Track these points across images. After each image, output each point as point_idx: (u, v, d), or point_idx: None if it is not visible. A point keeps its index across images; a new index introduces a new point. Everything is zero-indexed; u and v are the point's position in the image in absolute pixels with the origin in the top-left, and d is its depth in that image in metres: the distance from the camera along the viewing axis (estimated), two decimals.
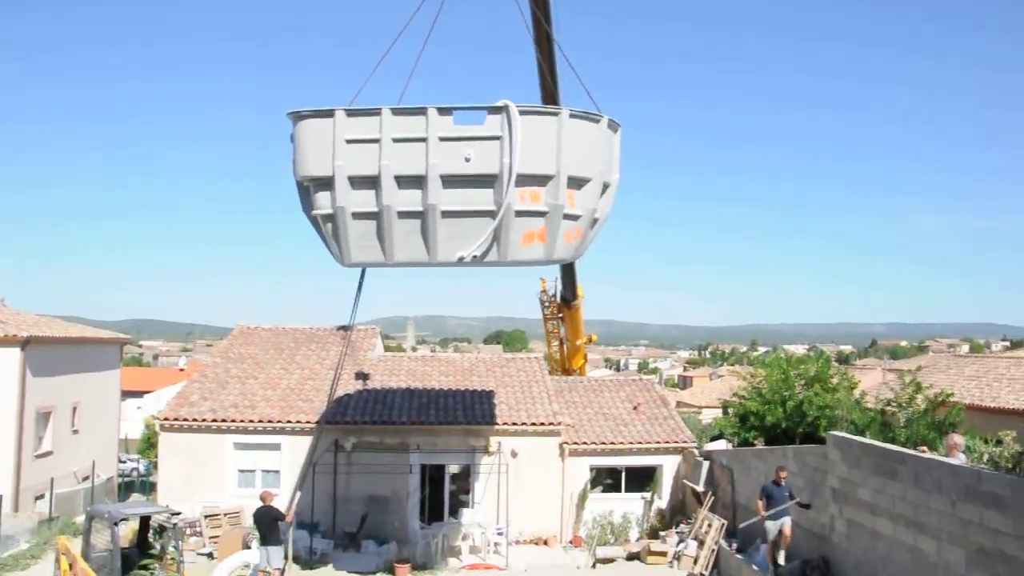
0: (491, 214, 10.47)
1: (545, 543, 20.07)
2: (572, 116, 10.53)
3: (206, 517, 18.96)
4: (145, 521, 12.49)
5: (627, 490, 21.35)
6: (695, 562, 16.25)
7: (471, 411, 21.23)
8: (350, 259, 10.79)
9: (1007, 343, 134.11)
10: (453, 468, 21.22)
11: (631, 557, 17.39)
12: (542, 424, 20.84)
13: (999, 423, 24.95)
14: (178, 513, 12.30)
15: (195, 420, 20.21)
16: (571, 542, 20.46)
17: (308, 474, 18.76)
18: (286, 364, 23.54)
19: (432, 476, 21.21)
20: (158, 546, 12.02)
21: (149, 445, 35.26)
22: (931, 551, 10.91)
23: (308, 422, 20.34)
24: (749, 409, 26.06)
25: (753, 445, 22.22)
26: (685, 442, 21.46)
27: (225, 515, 19.20)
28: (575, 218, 10.95)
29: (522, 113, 10.22)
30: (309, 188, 10.64)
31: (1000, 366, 31.07)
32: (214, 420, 20.23)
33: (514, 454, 20.47)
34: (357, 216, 10.44)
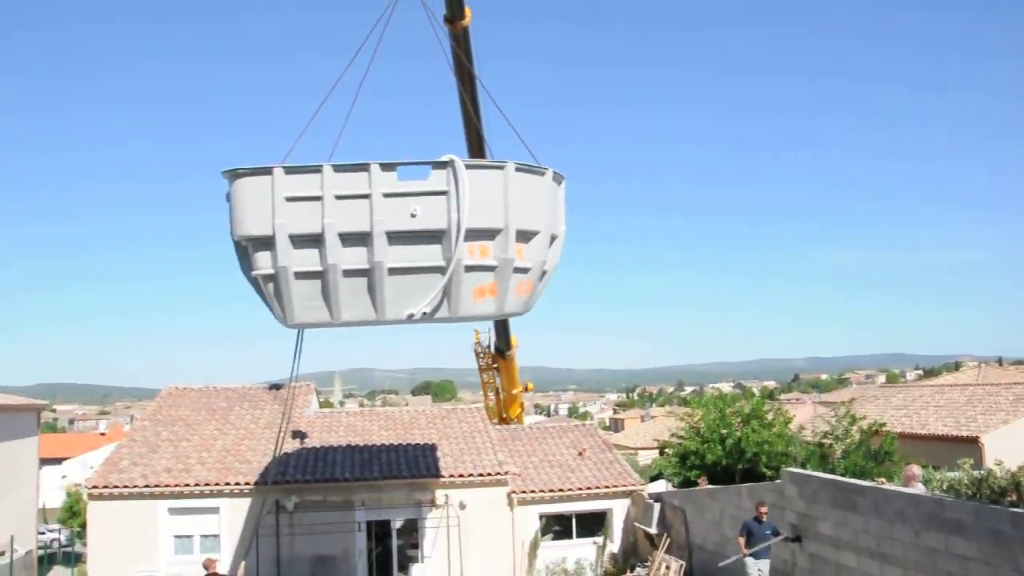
0: (440, 270, 10.25)
1: None
2: (518, 170, 10.48)
3: None
4: None
5: (578, 536, 21.10)
6: None
7: (415, 464, 20.74)
8: (294, 320, 10.31)
9: (920, 372, 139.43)
10: (398, 523, 20.64)
11: None
12: (489, 474, 20.50)
13: (930, 449, 25.83)
14: None
15: (126, 487, 19.21)
16: None
17: (252, 537, 17.93)
18: (219, 425, 22.66)
19: (378, 532, 20.57)
20: None
21: (72, 514, 33.43)
22: None
23: (247, 483, 19.55)
24: (688, 448, 26.32)
25: (696, 484, 22.30)
26: (633, 485, 21.39)
27: None
28: (525, 271, 10.86)
29: (468, 167, 10.15)
30: (247, 248, 10.19)
31: (925, 395, 32.19)
32: (146, 486, 19.26)
33: (462, 506, 20.04)
34: (300, 276, 10.04)
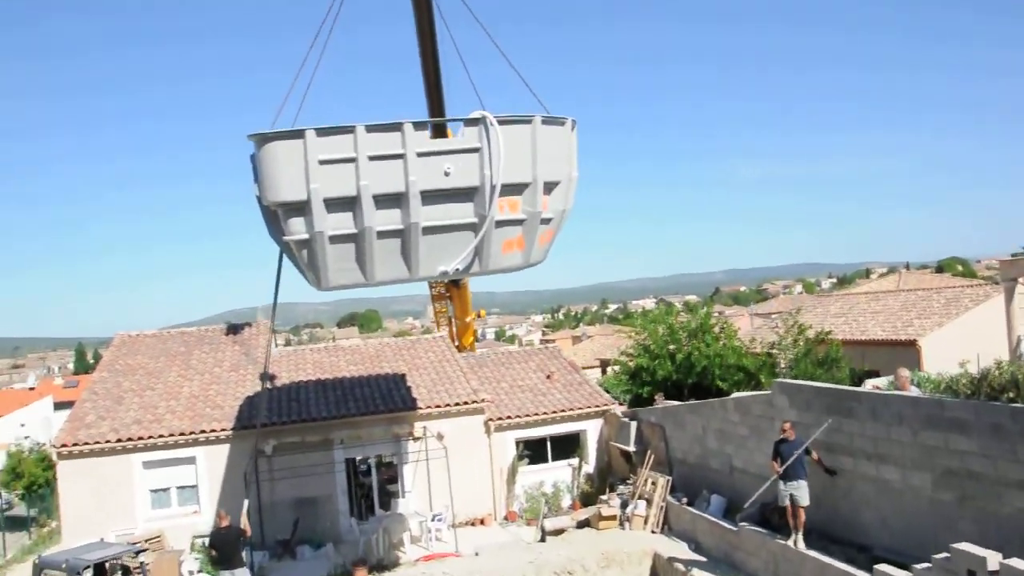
0: (472, 226, 10.26)
1: (481, 522, 20.01)
2: (544, 122, 10.44)
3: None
4: (100, 566, 11.40)
5: (553, 459, 21.54)
6: (646, 521, 16.66)
7: (390, 398, 20.74)
8: (328, 284, 10.15)
9: (833, 280, 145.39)
10: (377, 459, 20.76)
11: (581, 525, 17.57)
12: (465, 403, 20.66)
13: (870, 354, 27.09)
14: (144, 550, 11.32)
15: (97, 443, 18.62)
16: (506, 518, 20.49)
17: (244, 484, 17.77)
18: (181, 371, 22.11)
19: (358, 469, 20.62)
20: None
21: (15, 476, 32.31)
22: (895, 479, 11.66)
23: (224, 430, 19.23)
24: (639, 365, 26.88)
25: (651, 401, 22.88)
26: (605, 405, 21.87)
27: (147, 541, 17.86)
28: (547, 221, 10.93)
29: (500, 123, 10.04)
30: (278, 214, 9.79)
31: (861, 302, 33.62)
32: (118, 440, 18.72)
33: (440, 437, 20.17)
34: (335, 240, 9.80)
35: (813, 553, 12.03)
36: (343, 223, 9.71)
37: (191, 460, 19.27)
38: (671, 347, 26.93)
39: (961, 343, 24.18)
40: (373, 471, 20.63)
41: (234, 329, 24.69)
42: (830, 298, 38.41)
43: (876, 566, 10.69)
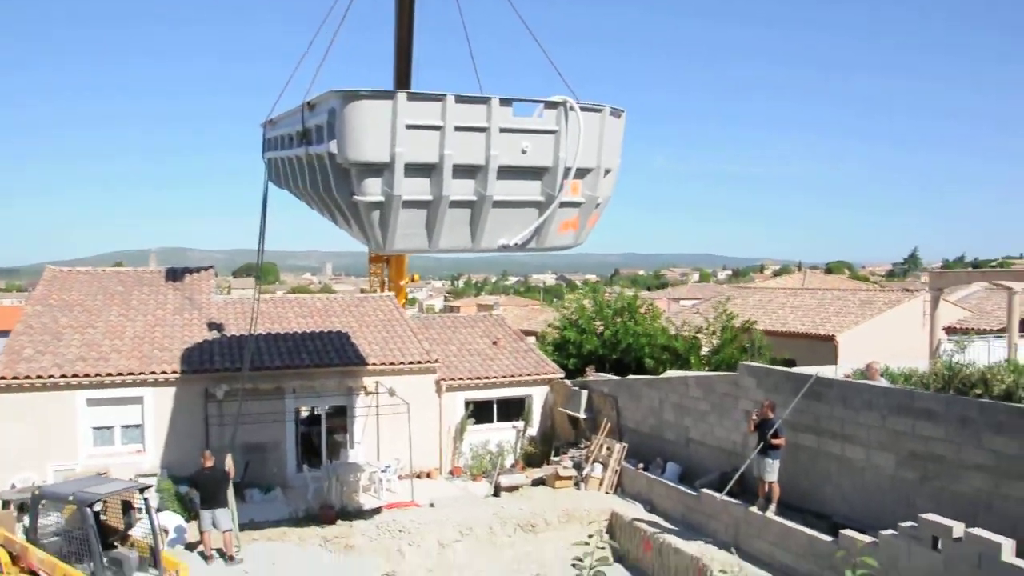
0: (537, 204, 10.56)
1: (428, 475, 20.38)
2: (611, 113, 10.82)
3: (65, 482, 17.08)
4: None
5: (499, 420, 22.10)
6: (600, 483, 17.42)
7: (344, 352, 20.75)
8: (393, 246, 10.22)
9: (729, 272, 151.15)
10: (326, 411, 20.81)
11: (536, 483, 18.19)
12: (419, 362, 20.91)
13: (790, 345, 28.69)
14: (148, 487, 11.18)
15: (39, 377, 17.96)
16: (451, 472, 20.96)
17: (202, 426, 17.57)
18: (122, 310, 21.43)
19: (307, 419, 20.62)
20: (121, 524, 10.85)
21: None
22: (860, 458, 12.70)
23: (175, 372, 18.86)
24: (567, 339, 27.74)
25: (581, 373, 23.67)
26: (551, 373, 22.53)
27: (87, 477, 17.37)
28: (597, 205, 11.33)
29: (572, 110, 10.33)
30: (350, 172, 9.67)
31: (780, 296, 35.40)
32: (63, 376, 18.10)
33: (392, 393, 20.35)
34: (408, 204, 9.83)
35: (776, 517, 13.00)
36: (419, 189, 9.76)
37: (138, 400, 18.84)
38: (598, 323, 27.93)
39: (873, 341, 25.92)
40: (323, 422, 20.65)
41: (174, 274, 24.04)
42: (747, 290, 40.24)
43: (841, 531, 11.72)
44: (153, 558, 10.50)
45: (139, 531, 11.23)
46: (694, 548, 13.63)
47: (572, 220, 10.96)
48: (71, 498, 10.13)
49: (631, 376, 20.66)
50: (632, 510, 16.11)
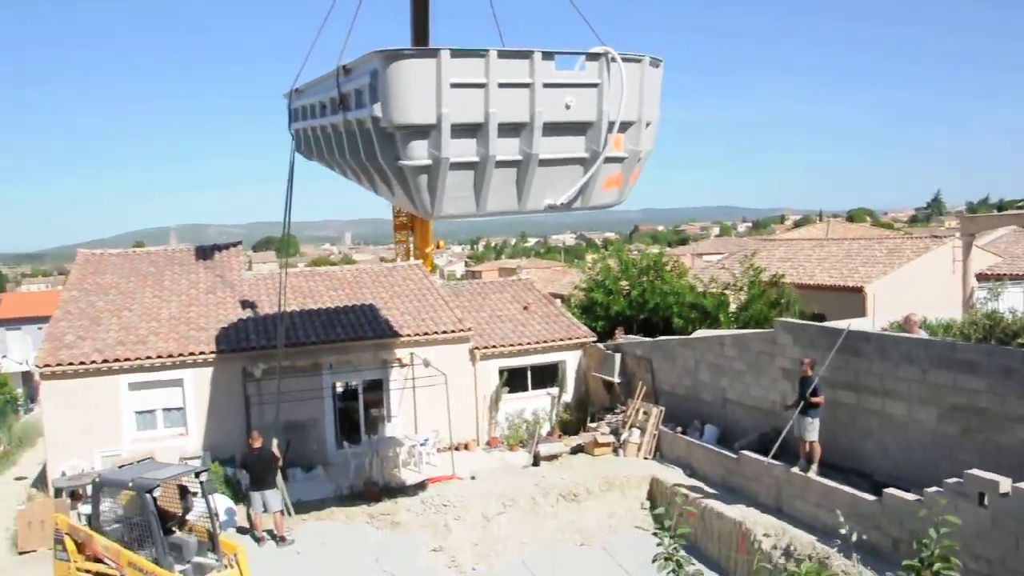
0: (582, 161, 10.35)
1: (465, 447, 20.60)
2: (650, 63, 10.58)
3: (120, 468, 17.44)
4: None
5: (533, 388, 22.21)
6: (639, 449, 17.56)
7: (378, 324, 20.91)
8: (441, 211, 9.94)
9: (749, 224, 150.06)
10: (363, 384, 21.03)
11: (575, 451, 18.36)
12: (451, 331, 21.02)
13: (819, 298, 28.52)
14: (205, 470, 11.39)
15: (81, 363, 18.25)
16: (488, 443, 21.18)
17: (244, 407, 17.84)
18: (156, 291, 21.68)
19: (345, 394, 20.87)
20: (179, 509, 11.09)
21: None
22: (900, 413, 12.70)
23: (213, 352, 19.11)
24: (595, 300, 27.71)
25: (611, 335, 23.70)
26: (583, 337, 22.58)
27: (139, 463, 17.77)
28: (638, 160, 11.10)
29: (614, 61, 10.08)
30: (395, 135, 9.39)
31: (806, 248, 35.11)
32: (104, 361, 18.39)
33: (427, 364, 20.50)
34: (456, 167, 9.59)
35: (818, 478, 13.08)
36: (466, 150, 9.55)
37: (178, 382, 19.11)
38: (624, 283, 27.87)
39: (903, 291, 25.70)
40: (360, 396, 20.88)
41: (204, 252, 24.22)
42: (773, 243, 39.94)
43: (886, 490, 11.77)
44: (211, 542, 10.74)
45: (195, 515, 11.47)
46: (736, 512, 13.74)
47: (615, 176, 10.76)
48: (131, 484, 10.34)
49: (664, 337, 20.66)
50: (671, 475, 16.24)
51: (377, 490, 16.07)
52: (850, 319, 18.45)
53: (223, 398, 19.18)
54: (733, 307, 27.08)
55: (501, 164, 9.78)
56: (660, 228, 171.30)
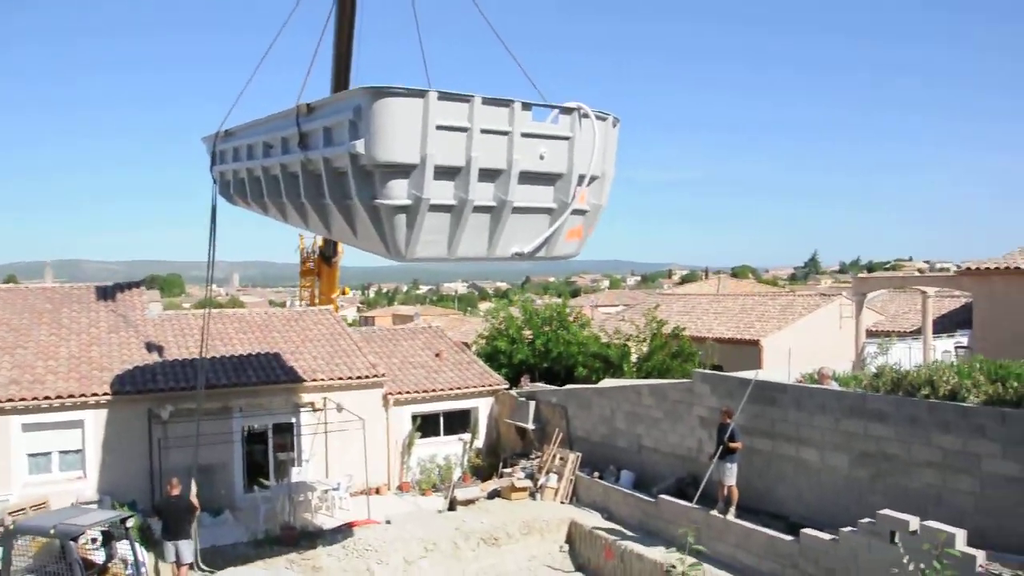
0: (549, 211, 10.62)
1: (377, 491, 20.31)
2: (614, 123, 11.06)
3: (11, 514, 16.37)
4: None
5: (445, 433, 22.19)
6: (556, 493, 17.75)
7: (290, 368, 20.54)
8: (414, 254, 9.82)
9: (638, 278, 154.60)
10: (272, 429, 20.52)
11: (491, 495, 18.38)
12: (365, 377, 20.87)
13: (716, 350, 29.74)
14: (130, 516, 10.83)
15: None
16: (400, 488, 20.96)
17: (152, 449, 17.08)
18: (52, 329, 20.65)
19: (253, 438, 20.28)
20: (99, 557, 10.50)
21: None
22: (814, 459, 13.43)
23: (118, 393, 18.30)
24: (498, 348, 28.09)
25: (516, 383, 23.99)
26: (496, 385, 22.78)
27: (32, 508, 16.76)
28: (598, 213, 11.50)
29: (586, 117, 10.50)
30: (374, 174, 9.30)
31: (703, 302, 36.66)
32: None
33: (340, 408, 20.24)
34: (433, 208, 9.58)
35: (737, 520, 13.60)
36: (445, 192, 9.59)
37: (78, 424, 18.19)
38: (527, 332, 28.38)
39: (795, 344, 27.15)
40: (270, 440, 20.34)
41: (105, 292, 23.25)
42: (671, 297, 41.43)
43: (803, 530, 12.38)
44: None
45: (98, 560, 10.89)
46: (656, 554, 14.09)
47: (578, 228, 11.09)
48: (53, 531, 9.77)
49: (580, 385, 21.09)
50: (590, 518, 16.50)
51: (295, 534, 15.65)
52: (754, 371, 19.39)
53: (127, 441, 18.38)
54: (634, 357, 27.87)
55: (477, 209, 9.92)
56: (552, 279, 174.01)
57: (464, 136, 9.44)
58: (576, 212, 10.85)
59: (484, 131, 9.55)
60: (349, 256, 28.46)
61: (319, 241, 27.55)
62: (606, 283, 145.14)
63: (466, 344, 37.23)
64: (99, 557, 10.58)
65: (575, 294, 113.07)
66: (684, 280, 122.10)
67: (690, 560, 5.06)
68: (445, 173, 9.53)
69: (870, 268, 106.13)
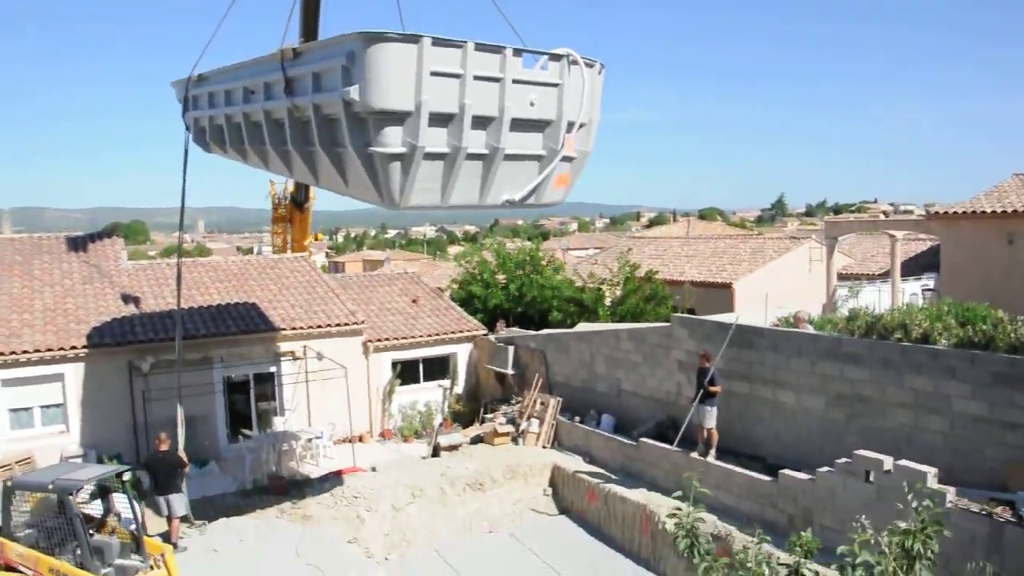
0: (539, 158, 10.59)
1: (360, 439, 20.58)
2: (600, 69, 10.97)
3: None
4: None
5: (425, 380, 22.44)
6: (538, 438, 18.12)
7: (269, 317, 20.54)
8: (408, 202, 9.69)
9: (606, 220, 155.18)
10: (254, 378, 20.59)
11: (474, 441, 18.71)
12: (344, 324, 20.94)
13: (687, 293, 30.15)
14: (126, 470, 10.91)
15: None
16: (382, 435, 21.25)
17: (132, 403, 17.10)
18: (25, 281, 20.36)
19: (235, 388, 20.38)
20: (98, 510, 10.59)
21: None
22: (790, 401, 13.84)
23: (96, 346, 18.22)
24: (473, 293, 28.30)
25: (492, 328, 24.24)
26: (474, 330, 22.98)
27: (18, 463, 16.77)
28: (584, 160, 11.48)
29: (575, 63, 10.42)
30: (367, 121, 9.12)
31: (674, 245, 36.97)
32: None
33: (320, 357, 20.33)
34: (428, 156, 9.46)
35: (716, 462, 14.05)
36: (438, 140, 9.49)
37: (58, 378, 18.11)
38: (500, 277, 28.57)
39: (766, 287, 27.60)
40: (252, 390, 20.42)
41: (76, 243, 22.89)
42: (642, 240, 41.71)
43: (781, 471, 12.84)
44: (136, 543, 10.38)
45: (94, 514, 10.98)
46: (639, 496, 14.53)
47: (565, 175, 11.08)
48: (51, 486, 9.85)
49: (558, 330, 21.34)
50: (572, 462, 16.90)
51: (284, 484, 15.87)
52: (733, 314, 19.76)
53: (108, 394, 18.36)
54: (608, 301, 28.20)
55: (470, 157, 9.86)
56: (520, 222, 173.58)
57: (457, 83, 9.35)
58: (564, 159, 10.87)
59: (477, 77, 9.46)
60: (317, 200, 28.20)
61: (291, 187, 27.24)
62: (574, 226, 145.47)
63: (440, 289, 37.42)
64: (96, 511, 10.67)
65: (544, 237, 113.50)
66: (652, 223, 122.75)
67: (697, 513, 5.32)
68: (439, 120, 9.44)
69: (836, 210, 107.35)
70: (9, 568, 9.90)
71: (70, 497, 9.66)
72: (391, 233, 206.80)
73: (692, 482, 6.05)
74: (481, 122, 9.80)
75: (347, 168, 9.92)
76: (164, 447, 13.65)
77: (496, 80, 9.67)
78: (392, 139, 9.24)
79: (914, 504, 5.11)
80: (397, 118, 9.17)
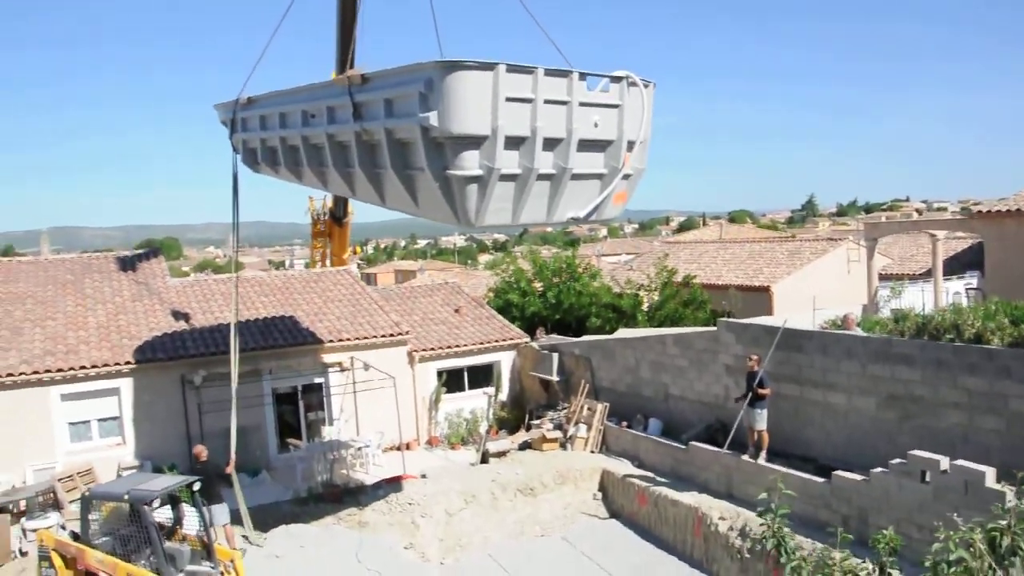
0: (600, 177, 11.02)
1: (407, 447, 20.84)
2: (654, 86, 11.37)
3: (60, 481, 16.85)
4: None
5: (470, 388, 22.67)
6: (586, 443, 18.27)
7: (316, 329, 20.90)
8: (483, 222, 10.10)
9: (635, 226, 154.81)
10: (302, 390, 20.96)
11: (522, 447, 18.90)
12: (390, 335, 21.25)
13: (726, 297, 30.11)
14: (197, 480, 11.26)
15: (9, 375, 17.52)
16: (429, 443, 21.52)
17: (183, 415, 17.49)
18: (78, 299, 20.93)
19: (283, 400, 20.76)
20: (168, 519, 10.94)
21: None
22: (841, 403, 13.86)
23: (149, 360, 18.68)
24: (511, 302, 28.49)
25: (532, 335, 24.39)
26: (516, 338, 23.19)
27: (79, 475, 17.25)
28: (640, 177, 11.85)
29: (634, 85, 10.86)
30: (444, 145, 9.54)
31: (710, 249, 36.95)
32: (34, 372, 17.70)
33: (367, 367, 20.66)
34: (503, 178, 9.89)
35: (768, 464, 14.09)
36: (512, 162, 9.90)
37: (114, 391, 18.60)
38: (538, 285, 28.78)
39: (805, 290, 27.52)
40: (300, 401, 20.79)
41: (126, 263, 23.46)
42: (677, 246, 41.71)
43: (835, 472, 12.86)
44: (206, 550, 10.71)
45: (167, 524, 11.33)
46: (690, 499, 14.62)
47: (623, 192, 11.50)
48: (126, 497, 10.20)
49: (602, 336, 21.48)
50: (621, 467, 17.02)
51: (339, 492, 16.17)
52: (782, 318, 19.72)
53: (162, 407, 18.81)
54: (645, 306, 28.28)
55: (540, 177, 10.30)
56: (549, 229, 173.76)
57: (529, 107, 9.75)
58: (624, 177, 11.23)
59: (547, 101, 9.87)
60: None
61: (329, 202, 27.69)
62: (604, 232, 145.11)
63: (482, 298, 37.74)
64: (166, 520, 11.01)
65: (573, 244, 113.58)
66: (682, 227, 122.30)
67: (782, 511, 5.43)
68: (512, 143, 9.83)
69: (867, 209, 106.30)
70: (89, 574, 10.26)
71: (145, 507, 9.99)
72: (421, 243, 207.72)
73: (778, 484, 6.15)
74: (550, 143, 10.21)
75: (418, 189, 10.32)
76: (203, 457, 13.99)
77: (564, 103, 10.09)
78: (469, 162, 9.63)
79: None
80: (474, 142, 9.55)
